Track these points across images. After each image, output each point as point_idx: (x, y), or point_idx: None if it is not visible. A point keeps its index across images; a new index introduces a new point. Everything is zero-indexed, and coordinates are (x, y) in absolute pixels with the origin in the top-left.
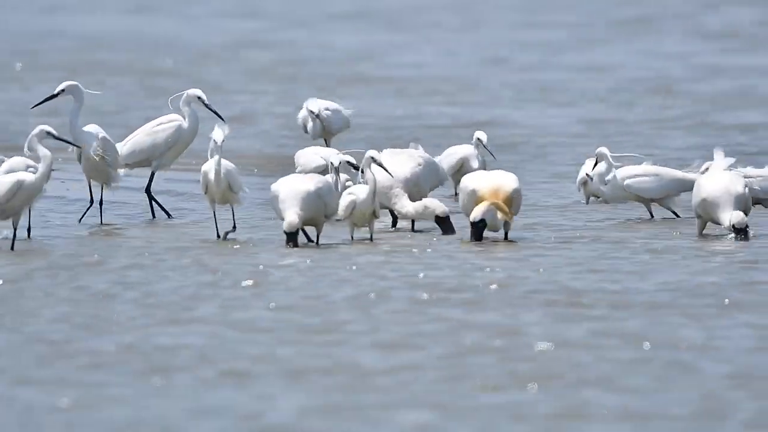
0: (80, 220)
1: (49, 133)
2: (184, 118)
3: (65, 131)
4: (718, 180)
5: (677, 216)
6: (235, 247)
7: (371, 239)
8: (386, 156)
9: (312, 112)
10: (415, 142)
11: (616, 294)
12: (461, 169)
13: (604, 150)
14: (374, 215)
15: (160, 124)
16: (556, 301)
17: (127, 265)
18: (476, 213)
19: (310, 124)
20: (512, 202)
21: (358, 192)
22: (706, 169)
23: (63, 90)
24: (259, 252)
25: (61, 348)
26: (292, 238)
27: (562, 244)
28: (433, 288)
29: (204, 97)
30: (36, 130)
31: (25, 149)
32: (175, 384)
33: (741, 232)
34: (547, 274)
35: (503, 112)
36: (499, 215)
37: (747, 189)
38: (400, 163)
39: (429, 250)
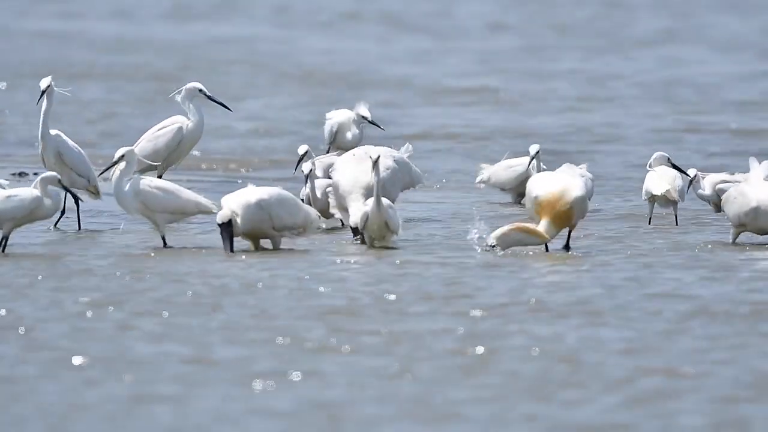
0: (55, 225)
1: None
2: (188, 116)
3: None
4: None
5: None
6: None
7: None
8: (352, 160)
9: (365, 117)
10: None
11: None
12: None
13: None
14: (389, 228)
15: (162, 128)
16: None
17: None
18: (491, 238)
19: (352, 132)
20: (572, 211)
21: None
22: (697, 177)
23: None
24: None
25: None
26: (226, 237)
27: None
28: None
29: (205, 89)
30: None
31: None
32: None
33: None
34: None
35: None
36: (531, 236)
37: None
38: (365, 171)
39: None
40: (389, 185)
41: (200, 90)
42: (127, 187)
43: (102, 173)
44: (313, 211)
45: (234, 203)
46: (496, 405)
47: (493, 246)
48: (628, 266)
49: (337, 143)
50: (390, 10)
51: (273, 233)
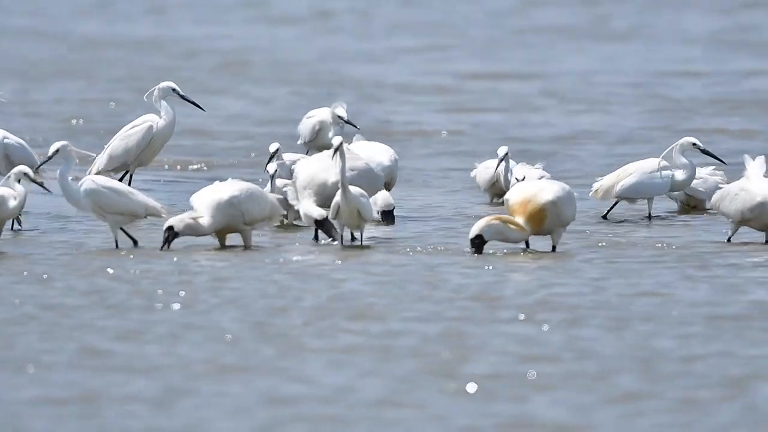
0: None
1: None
2: (160, 115)
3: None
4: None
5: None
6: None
7: (360, 243)
8: (316, 160)
9: (341, 117)
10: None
11: None
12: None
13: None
14: (361, 217)
15: (133, 127)
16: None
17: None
18: (473, 228)
19: (333, 131)
20: (544, 213)
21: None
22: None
23: None
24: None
25: None
26: (168, 237)
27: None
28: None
29: (178, 88)
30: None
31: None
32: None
33: None
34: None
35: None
36: (512, 227)
37: None
38: (324, 169)
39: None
40: (366, 182)
41: (173, 89)
42: (77, 187)
43: (38, 167)
44: (276, 200)
45: (205, 201)
46: (472, 406)
47: (476, 241)
48: (607, 265)
49: (317, 142)
50: (363, 8)
51: (244, 227)
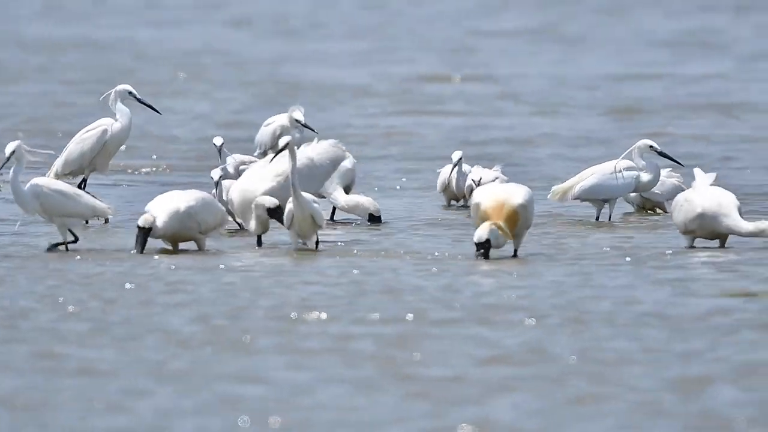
0: None
1: None
2: (115, 118)
3: None
4: (712, 194)
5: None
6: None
7: (315, 247)
8: (243, 182)
9: (298, 121)
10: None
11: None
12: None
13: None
14: (315, 222)
15: (88, 131)
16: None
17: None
18: (480, 233)
19: (292, 135)
20: (517, 217)
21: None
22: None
23: None
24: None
25: None
26: (140, 239)
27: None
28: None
29: (134, 91)
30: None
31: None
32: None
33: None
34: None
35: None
36: (500, 232)
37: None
38: (262, 177)
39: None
40: (310, 178)
41: (130, 92)
42: (25, 188)
43: None
44: (223, 208)
45: (161, 210)
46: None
47: (485, 245)
48: (567, 269)
49: (277, 147)
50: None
51: (198, 236)
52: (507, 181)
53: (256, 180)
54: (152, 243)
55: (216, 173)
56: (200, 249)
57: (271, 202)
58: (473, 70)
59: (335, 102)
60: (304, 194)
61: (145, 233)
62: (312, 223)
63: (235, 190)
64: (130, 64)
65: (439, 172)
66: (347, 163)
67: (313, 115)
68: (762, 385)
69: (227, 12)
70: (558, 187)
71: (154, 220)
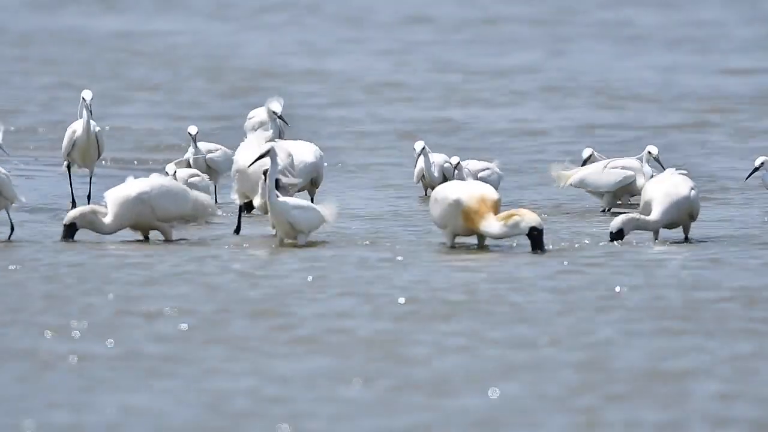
0: None
1: None
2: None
3: None
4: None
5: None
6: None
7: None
8: (242, 151)
9: (275, 112)
10: None
11: None
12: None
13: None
14: (294, 229)
15: (67, 128)
16: None
17: None
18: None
19: (271, 127)
20: (497, 210)
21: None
22: None
23: None
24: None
25: None
26: (67, 232)
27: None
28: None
29: (88, 100)
30: None
31: None
32: None
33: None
34: None
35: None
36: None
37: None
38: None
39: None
40: (317, 170)
41: (83, 98)
42: None
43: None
44: (206, 198)
45: (113, 198)
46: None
47: (534, 232)
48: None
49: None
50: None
51: (158, 224)
52: (501, 177)
53: (248, 154)
54: (130, 234)
55: (170, 168)
56: (165, 237)
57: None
58: (467, 60)
59: (318, 94)
60: (289, 200)
61: (70, 230)
62: (292, 229)
63: (237, 159)
64: (117, 57)
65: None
66: (311, 157)
67: (293, 106)
68: None
69: (207, 3)
70: (562, 173)
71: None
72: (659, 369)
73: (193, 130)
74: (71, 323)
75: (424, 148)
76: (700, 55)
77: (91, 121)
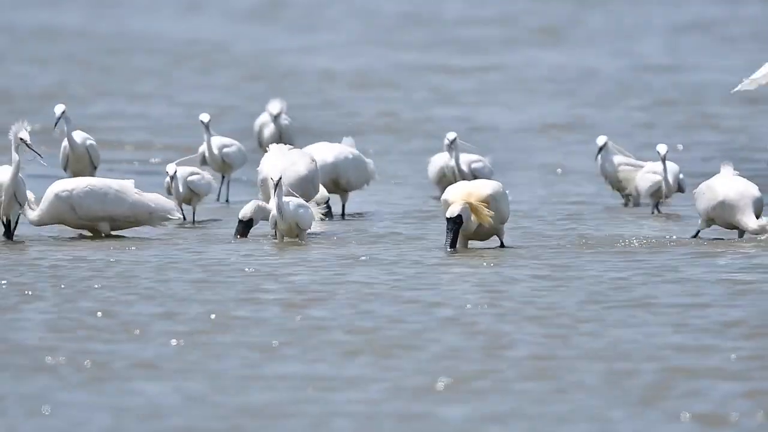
0: None
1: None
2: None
3: None
4: (735, 184)
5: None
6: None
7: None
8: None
9: (271, 113)
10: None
11: None
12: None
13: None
14: (299, 227)
15: None
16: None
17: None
18: (453, 209)
19: (268, 129)
20: (488, 206)
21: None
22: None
23: None
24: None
25: None
26: (6, 230)
27: None
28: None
29: (58, 113)
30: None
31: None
32: None
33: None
34: None
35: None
36: (474, 218)
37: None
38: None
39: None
40: (307, 184)
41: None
42: None
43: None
44: (159, 202)
45: (45, 193)
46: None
47: (457, 218)
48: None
49: (260, 140)
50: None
51: (81, 223)
52: (491, 171)
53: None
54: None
55: (171, 168)
56: (104, 233)
57: (243, 215)
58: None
59: (332, 93)
60: (292, 200)
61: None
62: (296, 227)
63: (260, 182)
64: (121, 56)
65: (430, 161)
66: (330, 157)
67: (310, 105)
68: None
69: (216, 2)
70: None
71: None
72: None
73: (205, 117)
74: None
75: (455, 139)
76: None
77: (80, 134)
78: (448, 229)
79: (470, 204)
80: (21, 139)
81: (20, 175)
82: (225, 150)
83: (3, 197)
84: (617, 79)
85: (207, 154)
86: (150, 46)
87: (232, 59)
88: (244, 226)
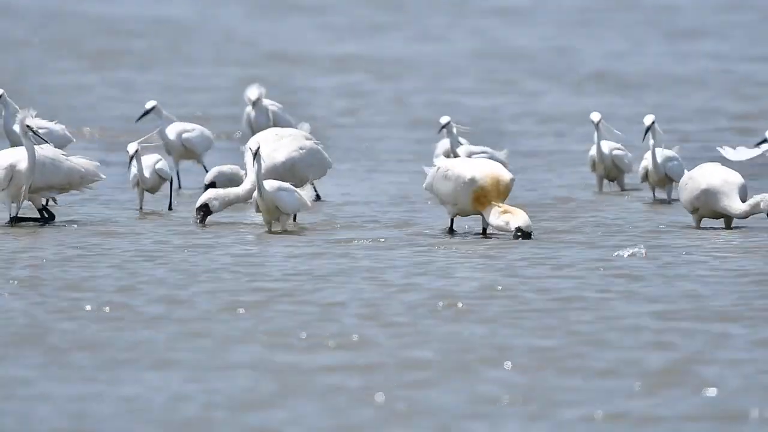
0: None
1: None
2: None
3: None
4: (717, 172)
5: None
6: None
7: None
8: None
9: (250, 98)
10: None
11: None
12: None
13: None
14: (280, 210)
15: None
16: None
17: None
18: (517, 221)
19: (251, 115)
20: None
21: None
22: None
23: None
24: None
25: None
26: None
27: None
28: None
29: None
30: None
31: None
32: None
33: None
34: None
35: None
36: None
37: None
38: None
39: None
40: (301, 167)
41: (28, 126)
42: None
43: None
44: (86, 166)
45: None
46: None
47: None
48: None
49: (251, 128)
50: None
51: (30, 196)
52: (490, 157)
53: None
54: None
55: (132, 147)
56: (36, 207)
57: (201, 201)
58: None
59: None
60: (273, 183)
61: None
62: (276, 209)
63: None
64: (120, 39)
65: (436, 146)
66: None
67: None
68: None
69: None
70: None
71: None
72: None
73: (150, 104)
74: None
75: (449, 123)
76: None
77: (176, 126)
78: (515, 237)
79: (505, 208)
80: (27, 126)
81: (38, 159)
82: (185, 135)
83: (23, 186)
84: None
85: (165, 142)
86: (114, 27)
87: (240, 43)
88: (206, 189)
